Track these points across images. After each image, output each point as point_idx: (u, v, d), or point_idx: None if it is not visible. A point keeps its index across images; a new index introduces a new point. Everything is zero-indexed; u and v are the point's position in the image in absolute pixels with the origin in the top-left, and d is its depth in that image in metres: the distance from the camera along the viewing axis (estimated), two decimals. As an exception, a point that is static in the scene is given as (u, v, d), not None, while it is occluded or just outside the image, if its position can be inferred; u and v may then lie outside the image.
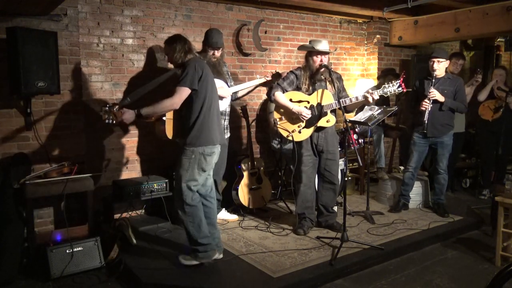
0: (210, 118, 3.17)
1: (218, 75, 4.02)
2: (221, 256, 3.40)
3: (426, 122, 4.34)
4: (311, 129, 3.92)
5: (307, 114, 3.84)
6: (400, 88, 3.80)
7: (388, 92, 3.83)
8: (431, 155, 4.99)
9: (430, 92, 4.29)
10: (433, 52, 4.49)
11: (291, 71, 4.02)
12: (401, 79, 3.83)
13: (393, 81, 3.85)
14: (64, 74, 3.77)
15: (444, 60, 4.37)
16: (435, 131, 4.43)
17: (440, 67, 4.37)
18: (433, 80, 4.34)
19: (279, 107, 3.96)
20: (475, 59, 7.88)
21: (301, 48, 4.06)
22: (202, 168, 3.18)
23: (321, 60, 3.85)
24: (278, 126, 3.97)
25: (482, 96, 5.30)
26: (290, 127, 3.93)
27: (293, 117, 3.90)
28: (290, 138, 3.95)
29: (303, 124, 3.91)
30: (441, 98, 4.33)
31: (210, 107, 3.17)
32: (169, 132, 3.33)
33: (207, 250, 3.23)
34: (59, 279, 3.22)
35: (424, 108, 4.33)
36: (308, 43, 3.95)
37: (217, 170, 4.21)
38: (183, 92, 3.03)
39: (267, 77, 4.36)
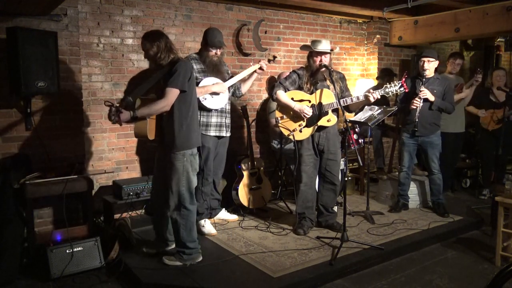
0: (195, 120, 3.22)
1: (218, 74, 4.01)
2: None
3: (417, 120, 4.39)
4: (312, 128, 3.92)
5: (309, 111, 3.84)
6: (402, 88, 3.86)
7: (390, 92, 3.87)
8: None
9: (421, 91, 4.34)
10: (423, 52, 4.56)
11: (294, 71, 4.03)
12: (403, 79, 3.87)
13: (394, 81, 3.88)
14: (64, 74, 3.76)
15: (434, 60, 4.43)
16: (424, 130, 4.48)
17: (430, 66, 4.43)
18: (423, 80, 4.39)
19: (281, 105, 3.96)
20: (475, 59, 7.88)
21: (302, 48, 4.09)
22: (195, 168, 3.22)
23: (320, 60, 3.86)
24: (279, 124, 3.97)
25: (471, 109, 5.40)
26: (292, 125, 3.94)
27: (295, 116, 3.91)
28: (291, 137, 3.95)
29: (304, 123, 3.91)
30: (431, 98, 4.38)
31: (194, 109, 3.22)
32: (151, 133, 3.17)
33: (192, 253, 3.28)
34: (59, 279, 3.22)
35: (415, 107, 4.38)
36: (310, 43, 3.95)
37: (216, 169, 4.21)
38: (175, 94, 3.02)
39: (263, 61, 4.25)
